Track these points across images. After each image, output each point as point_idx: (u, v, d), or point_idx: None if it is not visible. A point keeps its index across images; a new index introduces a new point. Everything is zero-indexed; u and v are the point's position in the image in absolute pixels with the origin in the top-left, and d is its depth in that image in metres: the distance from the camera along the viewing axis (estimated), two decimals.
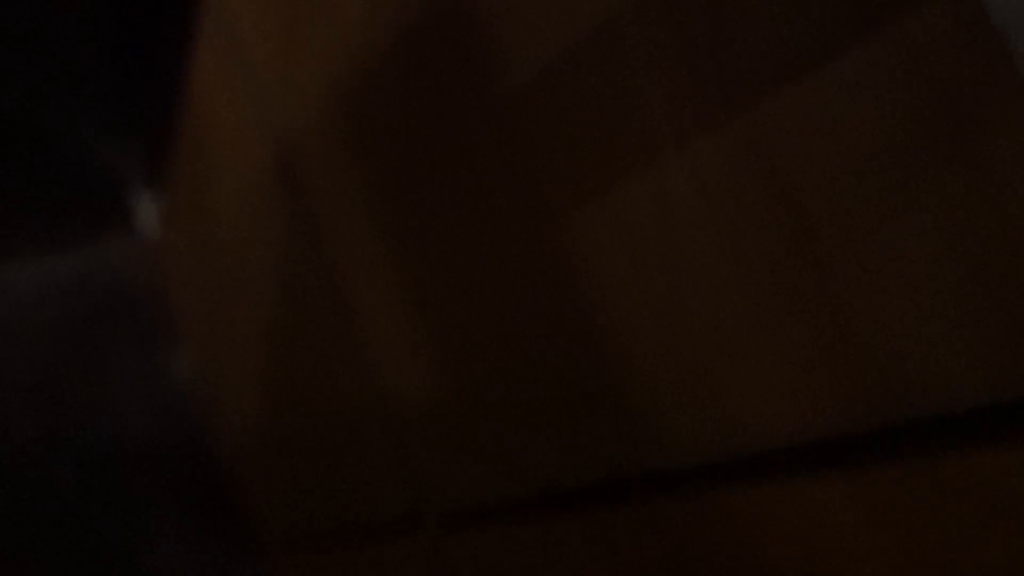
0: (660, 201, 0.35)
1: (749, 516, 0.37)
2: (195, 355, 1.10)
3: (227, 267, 0.89)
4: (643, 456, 0.41)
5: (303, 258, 0.71)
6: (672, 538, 0.41)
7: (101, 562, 1.10)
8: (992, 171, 0.24)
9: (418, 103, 0.48)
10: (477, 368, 0.50)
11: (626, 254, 0.38)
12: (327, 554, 0.82)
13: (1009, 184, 0.24)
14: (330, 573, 0.83)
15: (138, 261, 1.19)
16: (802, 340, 0.32)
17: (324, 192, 0.62)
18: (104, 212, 1.19)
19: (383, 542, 0.70)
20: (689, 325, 0.36)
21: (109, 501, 1.11)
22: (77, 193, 1.19)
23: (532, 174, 0.42)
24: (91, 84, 1.08)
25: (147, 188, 1.17)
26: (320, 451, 0.77)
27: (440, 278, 0.51)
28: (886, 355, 0.29)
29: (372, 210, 0.56)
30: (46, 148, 1.13)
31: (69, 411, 1.13)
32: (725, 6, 0.30)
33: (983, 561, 0.29)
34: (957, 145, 0.25)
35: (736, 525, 0.38)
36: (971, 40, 0.24)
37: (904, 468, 0.30)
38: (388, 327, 0.59)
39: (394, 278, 0.55)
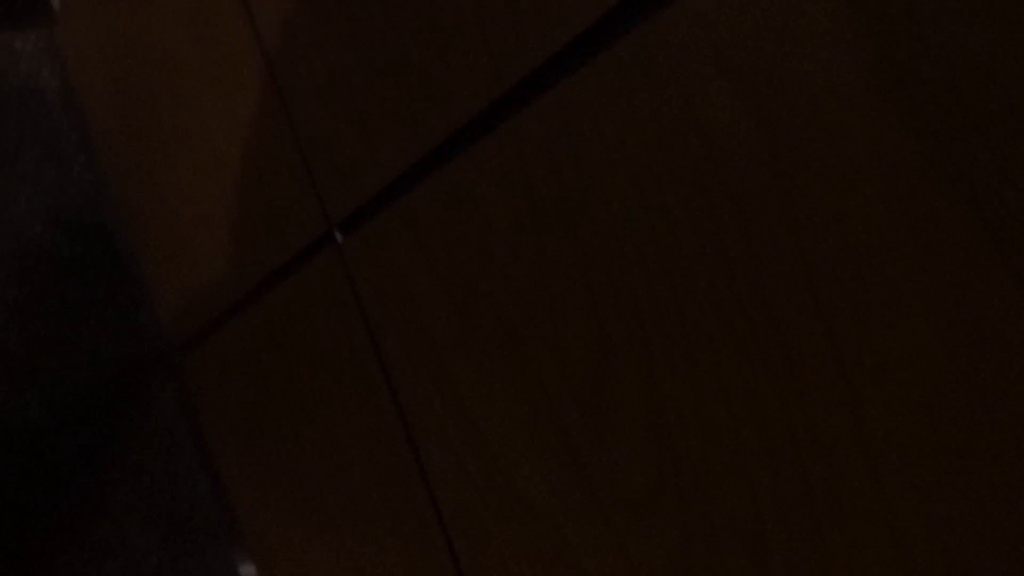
0: None
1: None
2: (106, 157, 1.04)
3: (143, 48, 0.83)
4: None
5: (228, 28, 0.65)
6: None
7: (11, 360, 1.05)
8: None
9: None
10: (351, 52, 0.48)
11: None
12: (240, 323, 0.80)
13: None
14: (246, 339, 0.80)
15: (49, 54, 1.11)
16: None
17: None
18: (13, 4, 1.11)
19: (291, 276, 0.67)
20: None
21: (1, 312, 1.06)
22: None
23: None
24: None
25: None
26: (235, 223, 0.74)
27: None
28: None
29: None
30: None
31: None
32: None
33: None
34: None
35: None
36: None
37: None
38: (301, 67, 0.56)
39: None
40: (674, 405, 0.39)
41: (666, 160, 0.35)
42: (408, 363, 0.54)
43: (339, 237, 0.58)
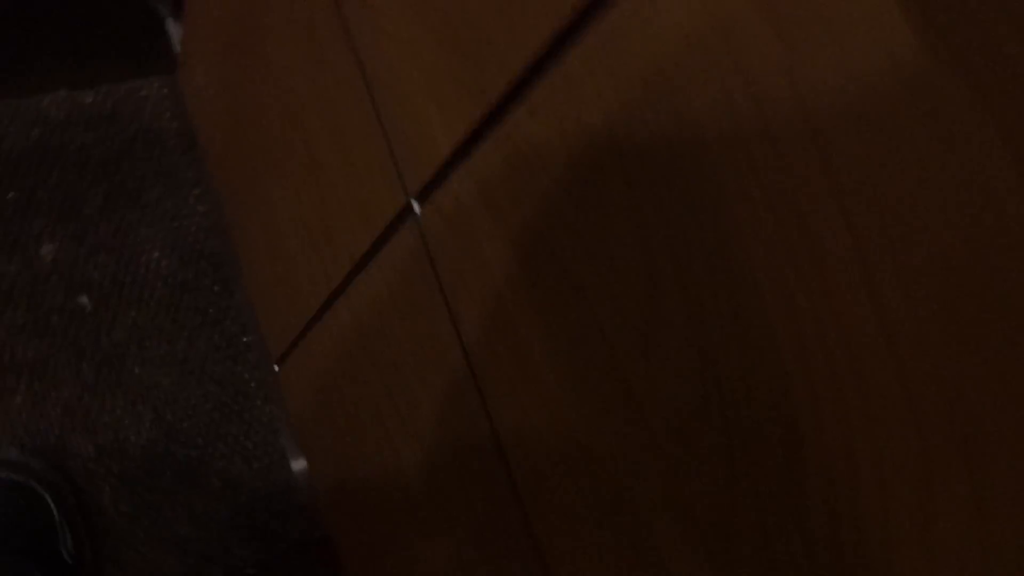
0: None
1: None
2: (219, 188, 1.12)
3: (256, 85, 0.90)
4: None
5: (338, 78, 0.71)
6: None
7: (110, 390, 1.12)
8: None
9: None
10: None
11: None
12: (327, 321, 0.84)
13: None
14: (332, 335, 0.85)
15: (171, 98, 1.21)
16: None
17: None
18: (139, 49, 1.21)
19: (373, 261, 0.71)
20: None
21: (120, 332, 1.13)
22: (113, 28, 1.21)
23: None
24: None
25: (179, 22, 1.19)
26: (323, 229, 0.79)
27: None
28: None
29: None
30: None
31: (88, 241, 1.15)
32: None
33: None
34: None
35: None
36: None
37: None
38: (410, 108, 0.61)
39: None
40: (718, 329, 0.41)
41: (707, 95, 0.38)
42: (481, 329, 0.57)
43: (417, 208, 0.62)
